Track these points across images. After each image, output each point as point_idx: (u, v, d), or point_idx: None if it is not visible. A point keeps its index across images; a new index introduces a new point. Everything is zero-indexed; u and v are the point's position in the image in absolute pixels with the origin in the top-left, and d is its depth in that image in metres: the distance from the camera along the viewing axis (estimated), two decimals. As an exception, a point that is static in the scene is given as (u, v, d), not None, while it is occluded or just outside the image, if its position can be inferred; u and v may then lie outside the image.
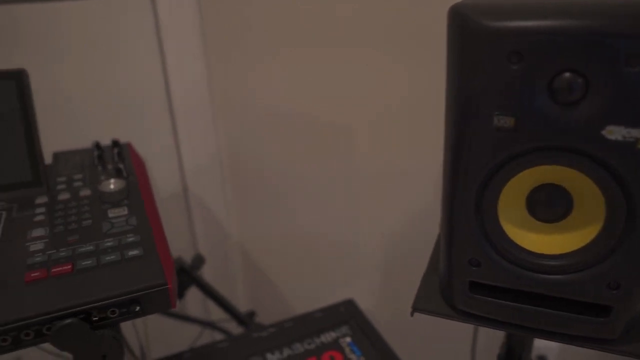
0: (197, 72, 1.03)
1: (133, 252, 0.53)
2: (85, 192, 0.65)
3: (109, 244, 0.55)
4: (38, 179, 0.66)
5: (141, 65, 1.00)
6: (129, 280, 0.49)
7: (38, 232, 0.57)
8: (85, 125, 1.01)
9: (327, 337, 0.82)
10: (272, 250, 1.21)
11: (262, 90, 1.02)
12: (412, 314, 0.52)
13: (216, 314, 1.05)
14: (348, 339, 0.81)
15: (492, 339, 0.71)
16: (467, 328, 0.61)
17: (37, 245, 0.55)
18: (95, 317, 0.48)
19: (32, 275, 0.50)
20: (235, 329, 1.02)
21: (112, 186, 0.64)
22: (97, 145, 0.78)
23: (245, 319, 0.97)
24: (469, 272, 0.47)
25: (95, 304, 0.47)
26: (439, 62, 0.52)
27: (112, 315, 0.48)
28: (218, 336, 1.07)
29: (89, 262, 0.52)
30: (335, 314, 0.87)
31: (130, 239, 0.55)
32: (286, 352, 0.79)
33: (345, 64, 0.96)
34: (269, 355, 0.78)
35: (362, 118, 0.99)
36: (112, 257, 0.53)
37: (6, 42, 0.90)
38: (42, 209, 0.62)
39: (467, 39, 0.41)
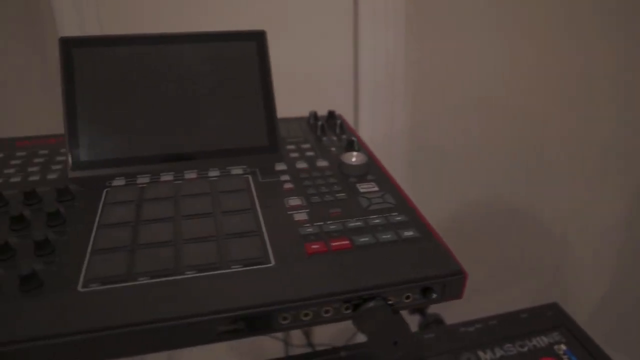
0: (389, 51, 0.98)
1: (408, 233, 0.49)
2: (322, 162, 0.62)
3: (377, 221, 0.50)
4: (274, 145, 0.63)
5: (333, 38, 0.96)
6: (421, 265, 0.45)
7: (294, 201, 0.54)
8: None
9: (539, 341, 0.75)
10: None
11: (457, 74, 0.96)
12: None
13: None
14: (563, 347, 0.74)
15: None
16: None
17: (301, 215, 0.51)
18: (391, 300, 0.43)
19: (313, 247, 0.46)
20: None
21: (354, 159, 0.60)
22: (315, 116, 0.74)
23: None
24: None
25: (397, 287, 0.43)
26: None
27: (406, 300, 0.44)
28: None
29: (366, 239, 0.48)
30: (541, 317, 0.80)
31: (398, 218, 0.51)
32: (498, 352, 0.73)
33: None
34: (480, 353, 0.72)
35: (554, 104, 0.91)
36: (387, 236, 0.48)
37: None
38: (286, 177, 0.58)
39: None
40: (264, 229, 0.49)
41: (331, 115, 0.75)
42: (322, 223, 0.50)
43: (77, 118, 0.58)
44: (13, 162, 0.61)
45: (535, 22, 0.94)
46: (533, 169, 1.05)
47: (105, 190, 0.55)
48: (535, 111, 0.99)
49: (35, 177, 0.58)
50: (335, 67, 0.98)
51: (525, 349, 0.74)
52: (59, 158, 0.63)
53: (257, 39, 0.64)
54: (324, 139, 0.69)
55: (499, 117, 1.01)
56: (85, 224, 0.49)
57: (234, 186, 0.56)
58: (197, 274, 0.43)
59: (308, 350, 1.07)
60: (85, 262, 0.44)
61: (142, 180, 0.57)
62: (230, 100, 0.62)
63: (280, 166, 0.61)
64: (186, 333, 0.40)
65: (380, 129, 1.04)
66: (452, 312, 0.89)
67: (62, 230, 0.48)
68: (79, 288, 0.41)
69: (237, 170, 0.60)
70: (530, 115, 0.98)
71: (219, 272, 0.43)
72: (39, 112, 0.98)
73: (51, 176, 0.58)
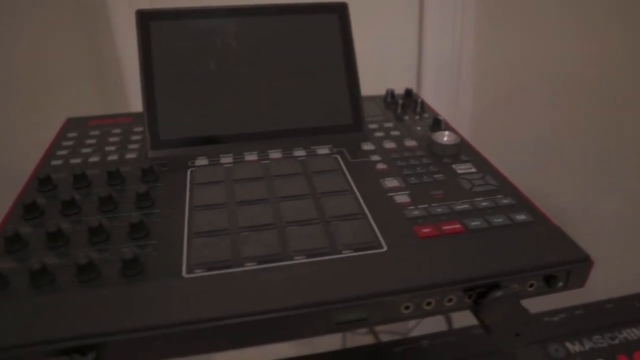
0: (455, 35, 0.93)
1: (521, 217, 0.45)
2: (410, 142, 0.58)
3: (484, 204, 0.47)
4: (359, 123, 0.59)
5: (398, 19, 0.91)
6: (543, 251, 0.41)
7: (391, 182, 0.50)
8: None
9: (631, 333, 0.71)
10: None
11: (528, 61, 0.90)
12: None
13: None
14: (658, 340, 0.69)
15: None
16: None
17: (402, 197, 0.48)
18: (515, 289, 0.39)
19: (424, 231, 0.42)
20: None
21: (445, 138, 0.56)
22: (392, 94, 0.70)
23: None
24: None
25: (521, 274, 0.39)
26: None
27: (529, 289, 0.40)
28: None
29: (477, 222, 0.44)
30: (629, 308, 0.75)
31: (505, 201, 0.47)
32: (587, 344, 0.69)
33: None
34: (568, 345, 0.68)
35: None
36: (500, 219, 0.44)
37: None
38: (377, 157, 0.55)
39: None
40: (367, 212, 0.45)
41: (408, 93, 0.70)
42: (427, 205, 0.47)
43: (156, 95, 0.55)
44: (88, 141, 0.59)
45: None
46: (606, 161, 0.99)
47: (189, 171, 0.52)
48: (613, 100, 0.94)
49: (114, 157, 0.55)
50: (398, 50, 0.94)
51: (616, 341, 0.70)
52: (134, 137, 0.60)
53: (339, 11, 0.60)
54: (406, 117, 0.65)
55: (570, 105, 0.95)
56: (176, 206, 0.46)
57: (326, 166, 0.52)
58: (307, 259, 0.40)
59: (368, 337, 1.03)
60: (185, 246, 0.41)
61: (226, 159, 0.54)
62: (312, 76, 0.58)
63: (367, 146, 0.57)
64: (301, 324, 0.36)
65: (442, 114, 0.99)
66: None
67: (152, 212, 0.45)
68: (184, 274, 0.38)
69: (323, 150, 0.56)
70: (608, 105, 0.93)
71: (329, 257, 0.40)
72: (89, 94, 0.95)
73: (130, 155, 0.56)
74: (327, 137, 0.58)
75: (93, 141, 0.59)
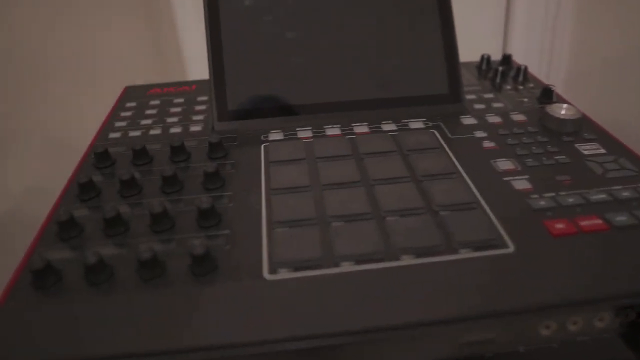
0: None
1: (679, 211, 0.35)
2: (517, 116, 0.48)
3: (625, 193, 0.37)
4: (458, 93, 0.50)
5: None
6: None
7: (504, 164, 0.41)
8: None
9: None
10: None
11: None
12: None
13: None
14: None
15: None
16: None
17: (521, 183, 0.38)
18: (685, 305, 0.30)
19: (557, 227, 0.33)
20: None
21: (563, 112, 0.46)
22: (488, 60, 0.60)
23: None
24: None
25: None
26: None
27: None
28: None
29: (623, 218, 0.35)
30: None
31: (653, 190, 0.37)
32: None
33: None
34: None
35: None
36: (651, 214, 0.34)
37: None
38: (482, 133, 0.45)
39: None
40: (481, 200, 0.36)
41: (506, 59, 0.60)
42: (553, 194, 0.37)
43: (223, 59, 0.47)
44: (148, 111, 0.52)
45: None
46: None
47: (262, 146, 0.44)
48: None
49: (177, 129, 0.48)
50: (484, 15, 0.83)
51: None
52: (199, 107, 0.53)
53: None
54: (507, 87, 0.55)
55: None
56: (250, 188, 0.38)
57: (424, 143, 0.43)
58: (416, 260, 0.32)
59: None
60: (264, 238, 0.33)
61: (304, 133, 0.46)
62: (404, 39, 0.50)
63: (468, 120, 0.48)
64: (415, 345, 0.28)
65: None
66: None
67: (222, 195, 0.38)
68: (265, 274, 0.30)
69: (416, 124, 0.47)
70: None
71: (444, 257, 0.32)
72: (146, 63, 0.89)
73: (194, 128, 0.48)
74: (419, 109, 0.49)
75: (153, 112, 0.52)
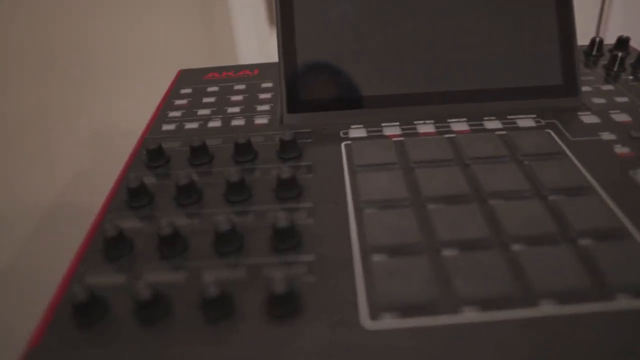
0: None
1: None
2: (650, 114, 0.39)
3: None
4: (573, 85, 0.41)
5: None
6: None
7: None
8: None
9: None
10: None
11: None
12: None
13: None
14: None
15: None
16: None
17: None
18: None
19: None
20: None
21: None
22: (600, 44, 0.50)
23: None
24: None
25: None
26: None
27: None
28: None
29: None
30: None
31: None
32: None
33: None
34: None
35: None
36: None
37: None
38: (610, 135, 0.37)
39: None
40: (630, 227, 0.28)
41: (622, 43, 0.50)
42: None
43: (296, 38, 0.40)
44: (206, 99, 0.45)
45: None
46: None
47: (343, 145, 0.37)
48: None
49: (239, 122, 0.41)
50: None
51: None
52: (263, 95, 0.45)
53: None
54: (626, 77, 0.46)
55: None
56: (334, 199, 0.31)
57: (541, 147, 0.35)
58: (560, 307, 0.23)
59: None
60: (358, 268, 0.26)
61: (391, 130, 0.38)
62: (507, 15, 0.40)
63: (589, 117, 0.39)
64: None
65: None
66: None
67: (299, 208, 0.30)
68: (364, 321, 0.23)
69: (525, 121, 0.39)
70: None
71: (598, 305, 0.23)
72: (196, 46, 0.81)
73: (259, 120, 0.41)
74: (526, 103, 0.41)
75: (211, 100, 0.45)
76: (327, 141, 0.38)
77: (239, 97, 0.46)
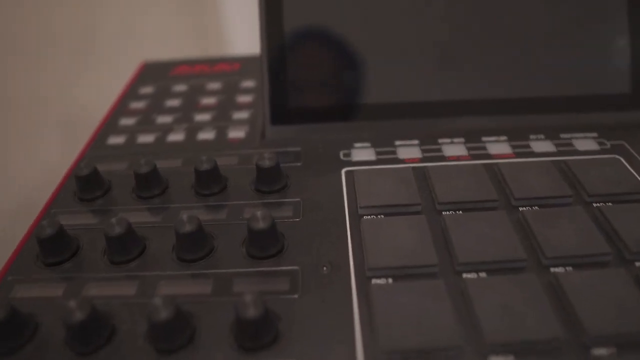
0: None
1: None
2: None
3: None
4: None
5: None
6: None
7: None
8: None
9: None
10: None
11: None
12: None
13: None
14: None
15: None
16: None
17: None
18: None
19: None
20: None
21: None
22: None
23: None
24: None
25: None
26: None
27: None
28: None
29: None
30: None
31: None
32: None
33: None
34: None
35: None
36: None
37: None
38: None
39: None
40: None
41: None
42: None
43: (284, 27, 0.29)
44: (170, 103, 0.34)
45: None
46: None
47: (343, 172, 0.26)
48: None
49: (208, 134, 0.31)
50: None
51: None
52: (243, 98, 0.35)
53: None
54: None
55: None
56: (329, 264, 0.21)
57: (613, 182, 0.26)
58: None
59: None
60: None
61: (409, 152, 0.28)
62: (562, 11, 0.30)
63: None
64: None
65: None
66: None
67: (279, 269, 0.20)
68: None
69: (584, 142, 0.29)
70: None
71: None
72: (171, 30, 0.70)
73: (234, 133, 0.31)
74: (583, 117, 0.31)
75: (176, 103, 0.35)
76: (322, 166, 0.28)
77: (212, 100, 0.36)
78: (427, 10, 0.31)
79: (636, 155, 0.29)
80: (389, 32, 0.31)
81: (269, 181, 0.27)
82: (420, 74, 0.31)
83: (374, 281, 0.21)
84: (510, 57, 0.31)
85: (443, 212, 0.25)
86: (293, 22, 0.31)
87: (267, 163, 0.26)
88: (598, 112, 0.32)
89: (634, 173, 0.27)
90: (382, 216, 0.25)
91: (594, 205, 0.25)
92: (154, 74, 0.40)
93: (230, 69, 0.40)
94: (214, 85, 0.38)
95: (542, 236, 0.23)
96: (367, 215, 0.25)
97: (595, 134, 0.31)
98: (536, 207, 0.25)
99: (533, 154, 0.29)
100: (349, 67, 0.31)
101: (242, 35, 0.69)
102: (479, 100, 0.31)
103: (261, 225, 0.22)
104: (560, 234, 0.23)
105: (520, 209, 0.25)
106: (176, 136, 0.32)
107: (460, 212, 0.25)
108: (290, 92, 0.31)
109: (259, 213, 0.22)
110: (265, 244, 0.22)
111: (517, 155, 0.29)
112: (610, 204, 0.25)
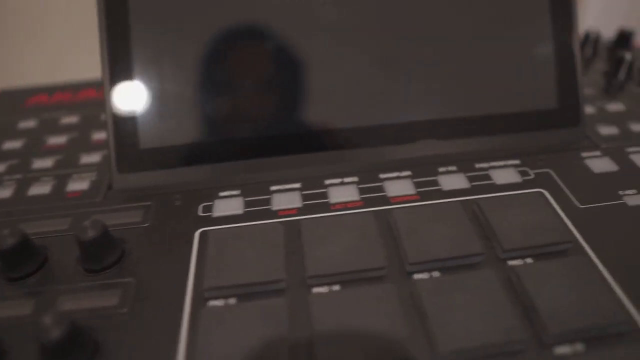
0: None
1: None
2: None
3: None
4: (574, 110, 0.26)
5: None
6: None
7: None
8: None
9: None
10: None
11: None
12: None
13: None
14: None
15: None
16: None
17: None
18: None
19: None
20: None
21: None
22: (595, 41, 0.35)
23: None
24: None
25: None
26: None
27: None
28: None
29: None
30: None
31: None
32: None
33: None
34: None
35: None
36: None
37: None
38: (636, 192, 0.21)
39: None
40: None
41: (624, 38, 0.35)
42: None
43: (133, 61, 0.22)
44: (9, 145, 0.28)
45: None
46: None
47: (197, 233, 0.20)
48: None
49: (43, 188, 0.24)
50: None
51: None
52: (99, 136, 0.28)
53: None
54: (635, 89, 0.31)
55: None
56: None
57: (537, 231, 0.20)
58: None
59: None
60: None
61: (286, 200, 0.22)
62: (473, 17, 0.24)
63: (598, 161, 0.24)
64: None
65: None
66: None
67: None
68: None
69: (503, 173, 0.23)
70: None
71: None
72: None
73: (76, 184, 0.25)
74: (502, 139, 0.25)
75: (17, 145, 0.29)
76: (174, 226, 0.21)
77: (61, 140, 0.29)
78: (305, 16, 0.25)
79: (563, 186, 0.24)
80: (258, 38, 0.25)
81: (94, 257, 0.20)
82: (299, 101, 0.25)
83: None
84: (415, 74, 0.25)
85: (313, 289, 0.18)
86: (142, 41, 0.24)
87: (88, 235, 0.20)
88: (519, 133, 0.26)
89: (561, 214, 0.22)
90: (234, 300, 0.18)
91: (515, 270, 0.19)
92: (6, 105, 0.33)
93: (96, 95, 0.33)
94: (70, 119, 0.31)
95: (441, 321, 0.17)
96: (215, 299, 0.18)
97: (517, 161, 0.25)
98: (436, 274, 0.19)
99: (440, 194, 0.23)
100: (214, 94, 0.25)
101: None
102: (375, 127, 0.25)
103: None
104: (463, 315, 0.17)
105: (415, 276, 0.19)
106: (2, 192, 0.25)
107: (337, 287, 0.18)
108: (142, 129, 0.24)
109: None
110: None
111: (421, 196, 0.23)
112: (531, 265, 0.19)
